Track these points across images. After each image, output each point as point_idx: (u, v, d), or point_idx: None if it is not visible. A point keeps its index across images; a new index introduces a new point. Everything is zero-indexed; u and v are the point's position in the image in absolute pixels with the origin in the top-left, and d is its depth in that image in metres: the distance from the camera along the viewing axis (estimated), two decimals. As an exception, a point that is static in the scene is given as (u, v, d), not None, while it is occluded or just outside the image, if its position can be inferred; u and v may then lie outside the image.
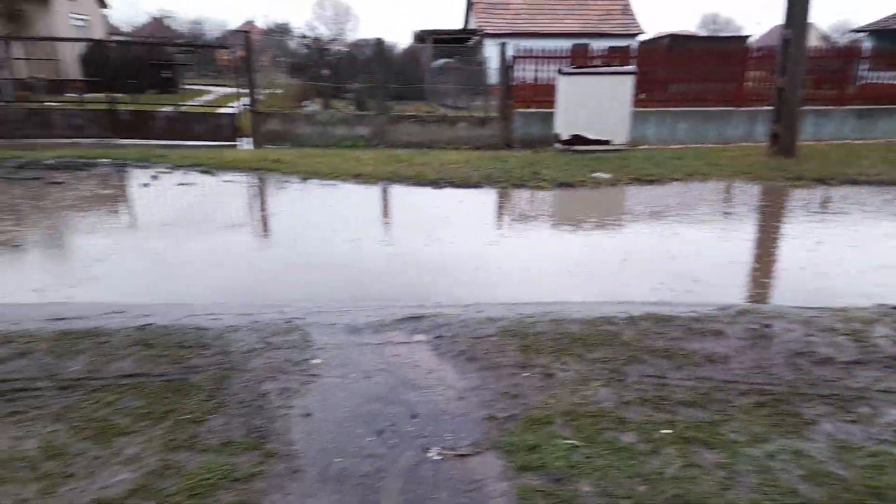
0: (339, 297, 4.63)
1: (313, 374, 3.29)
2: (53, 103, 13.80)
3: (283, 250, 6.01)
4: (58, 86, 18.35)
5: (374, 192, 8.60)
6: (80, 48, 21.22)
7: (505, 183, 8.96)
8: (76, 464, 2.53)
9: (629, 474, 2.47)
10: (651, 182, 9.16)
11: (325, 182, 8.95)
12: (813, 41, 25.72)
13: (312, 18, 54.46)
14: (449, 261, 5.63)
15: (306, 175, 9.26)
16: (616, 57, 14.18)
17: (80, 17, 26.61)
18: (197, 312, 4.14)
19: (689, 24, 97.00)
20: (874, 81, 14.51)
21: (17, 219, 6.80)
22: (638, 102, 12.46)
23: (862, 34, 28.61)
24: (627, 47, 15.92)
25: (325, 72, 18.24)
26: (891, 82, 14.39)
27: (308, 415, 2.91)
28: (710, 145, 13.07)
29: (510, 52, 13.10)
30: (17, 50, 18.01)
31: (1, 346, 3.48)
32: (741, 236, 6.57)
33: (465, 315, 4.08)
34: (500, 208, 8.12)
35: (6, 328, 3.74)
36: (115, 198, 7.98)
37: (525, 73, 13.42)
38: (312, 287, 4.91)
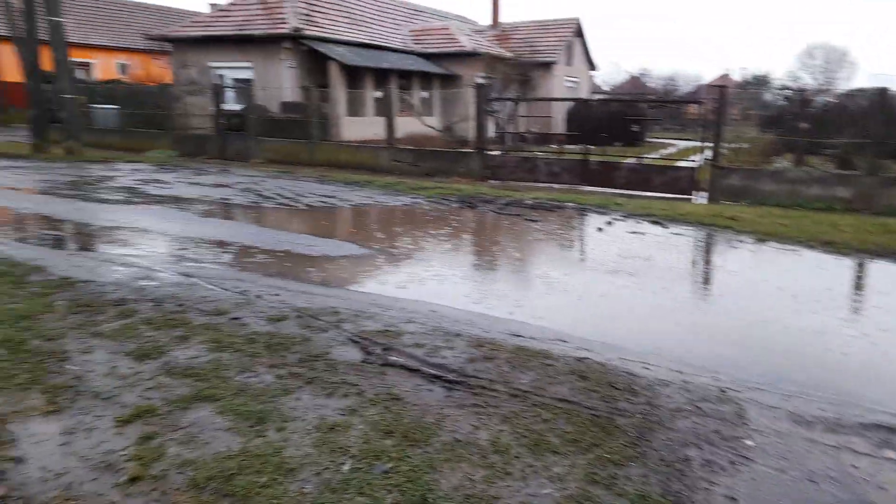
0: (782, 376, 4.09)
1: (745, 457, 2.99)
2: (539, 153, 16.33)
3: (722, 311, 5.67)
4: (545, 138, 21.64)
5: (846, 263, 7.33)
6: (567, 106, 24.62)
7: None
8: (513, 465, 2.90)
9: None
10: None
11: (783, 246, 8.08)
12: None
13: (797, 68, 49.85)
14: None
15: (763, 236, 8.54)
16: None
17: (573, 79, 30.84)
18: (630, 357, 4.26)
19: None
20: None
21: (500, 246, 8.28)
22: None
23: None
24: None
25: (803, 125, 16.52)
26: None
27: (734, 500, 2.65)
28: None
29: None
30: (522, 108, 22.05)
31: (474, 348, 4.28)
32: None
33: (971, 445, 3.08)
34: None
35: (479, 334, 4.57)
36: (574, 238, 8.92)
37: None
38: (751, 358, 4.47)
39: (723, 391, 3.71)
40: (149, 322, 4.47)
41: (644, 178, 13.39)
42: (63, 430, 3.05)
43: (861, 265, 7.30)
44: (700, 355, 4.50)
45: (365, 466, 2.85)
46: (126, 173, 13.69)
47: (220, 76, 22.62)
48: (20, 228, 7.98)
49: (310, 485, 2.70)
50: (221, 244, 7.43)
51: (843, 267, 7.25)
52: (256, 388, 3.54)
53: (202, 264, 6.42)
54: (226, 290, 5.39)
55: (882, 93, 11.36)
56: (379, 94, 21.28)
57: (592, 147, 14.45)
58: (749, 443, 3.12)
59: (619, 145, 20.53)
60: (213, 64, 22.49)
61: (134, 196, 10.66)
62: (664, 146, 26.60)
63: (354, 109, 21.62)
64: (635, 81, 59.18)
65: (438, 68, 25.29)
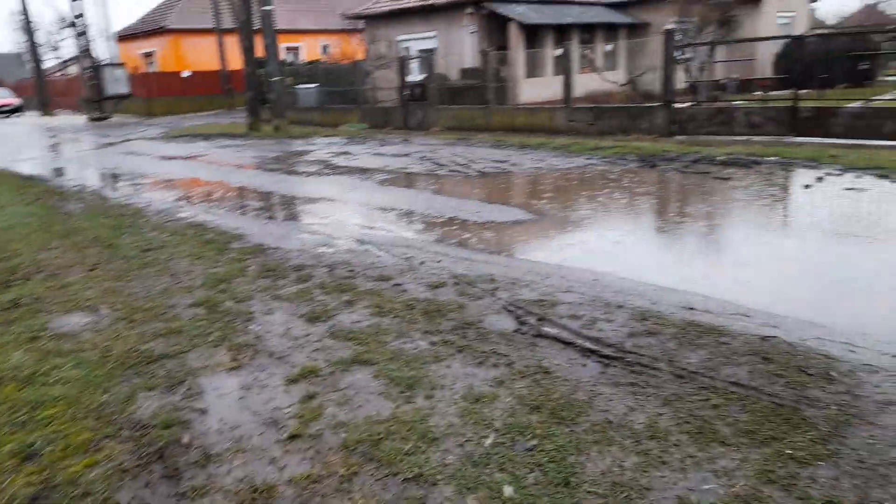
0: None
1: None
2: (738, 102, 14.58)
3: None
4: (746, 85, 19.28)
5: None
6: (777, 46, 21.56)
7: None
8: (671, 454, 2.62)
9: None
10: None
11: None
12: None
13: None
14: None
15: None
16: None
17: (788, 14, 26.82)
18: (829, 337, 3.62)
19: None
20: None
21: (680, 208, 7.55)
22: None
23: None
24: None
25: None
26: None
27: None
28: None
29: None
30: (720, 53, 19.77)
31: (636, 321, 3.93)
32: None
33: None
34: None
35: (645, 306, 4.19)
36: (772, 198, 7.82)
37: None
38: None
39: (957, 386, 2.98)
40: (322, 287, 4.81)
41: (870, 124, 11.30)
42: (241, 385, 3.39)
43: None
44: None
45: (508, 442, 2.76)
46: (321, 147, 14.93)
47: (407, 48, 23.52)
48: (232, 200, 9.09)
49: (452, 456, 2.69)
50: (395, 211, 7.75)
51: None
52: (410, 354, 3.62)
53: (375, 231, 6.76)
54: (393, 256, 5.60)
55: None
56: (559, 51, 20.57)
57: (805, 91, 12.54)
58: None
59: (842, 87, 17.60)
60: (401, 37, 23.44)
61: (325, 168, 11.58)
62: (903, 84, 22.17)
63: (533, 70, 21.18)
64: (869, 11, 49.92)
65: (625, 17, 23.68)
